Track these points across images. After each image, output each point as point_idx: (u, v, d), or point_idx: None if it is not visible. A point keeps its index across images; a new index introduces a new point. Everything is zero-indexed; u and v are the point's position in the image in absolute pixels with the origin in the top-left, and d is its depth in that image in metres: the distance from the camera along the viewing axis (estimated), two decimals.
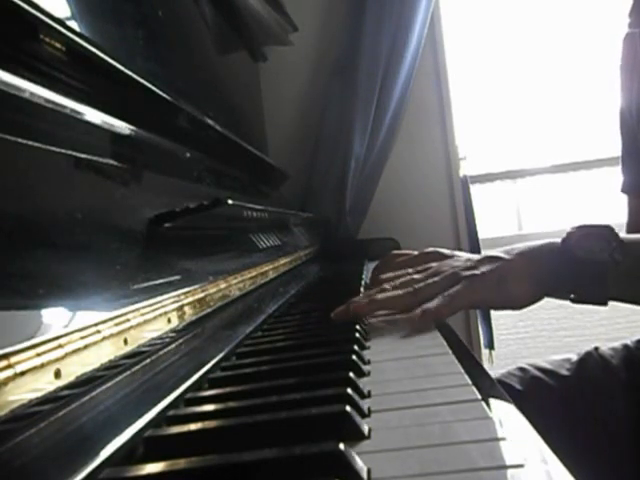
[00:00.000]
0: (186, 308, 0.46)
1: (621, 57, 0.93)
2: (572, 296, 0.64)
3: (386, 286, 0.64)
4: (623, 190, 0.97)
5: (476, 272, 0.62)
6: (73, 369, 0.29)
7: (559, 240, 0.65)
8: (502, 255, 0.65)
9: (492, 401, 0.33)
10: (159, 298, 0.42)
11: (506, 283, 0.62)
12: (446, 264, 0.65)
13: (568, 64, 2.06)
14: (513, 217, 2.15)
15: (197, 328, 0.49)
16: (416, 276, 0.65)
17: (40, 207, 0.37)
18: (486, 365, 1.66)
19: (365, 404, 0.34)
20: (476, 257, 0.66)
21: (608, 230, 0.62)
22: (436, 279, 0.63)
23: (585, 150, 2.02)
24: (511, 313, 2.05)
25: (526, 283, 0.63)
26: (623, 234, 0.63)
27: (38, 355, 0.26)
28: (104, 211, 0.45)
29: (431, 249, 0.73)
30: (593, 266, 0.61)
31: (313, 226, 1.50)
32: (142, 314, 0.38)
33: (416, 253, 0.74)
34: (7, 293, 0.28)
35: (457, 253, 0.71)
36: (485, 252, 0.68)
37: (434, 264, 0.66)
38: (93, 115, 0.47)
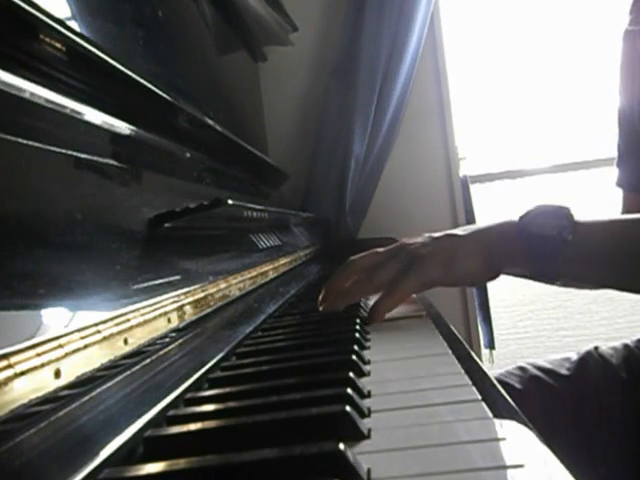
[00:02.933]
0: (186, 308, 0.46)
1: (621, 55, 0.93)
2: (527, 273, 0.64)
3: (341, 275, 0.67)
4: (618, 184, 0.97)
5: (426, 252, 0.64)
6: (73, 369, 0.29)
7: (515, 218, 0.66)
8: (458, 232, 0.66)
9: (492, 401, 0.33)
10: (159, 298, 0.42)
11: (456, 260, 0.63)
12: (404, 244, 0.67)
13: (568, 64, 2.06)
14: (513, 217, 2.15)
15: (197, 328, 0.49)
16: (378, 250, 0.68)
17: (40, 207, 0.37)
18: (486, 365, 1.66)
19: (365, 404, 0.34)
20: (436, 234, 0.67)
21: (564, 210, 0.64)
22: (390, 262, 0.64)
23: (585, 150, 2.02)
24: (511, 313, 2.05)
25: (478, 259, 0.64)
26: (582, 217, 0.64)
27: (38, 355, 0.26)
28: (104, 211, 0.45)
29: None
30: (543, 242, 0.62)
31: (313, 226, 1.50)
32: (142, 314, 0.38)
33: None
34: (7, 293, 0.28)
35: (424, 234, 0.72)
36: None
37: (397, 243, 0.69)
38: (93, 115, 0.47)
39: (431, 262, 0.63)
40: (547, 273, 0.63)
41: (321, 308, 0.65)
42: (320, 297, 0.67)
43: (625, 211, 0.96)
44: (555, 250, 0.62)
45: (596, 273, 0.64)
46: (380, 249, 0.69)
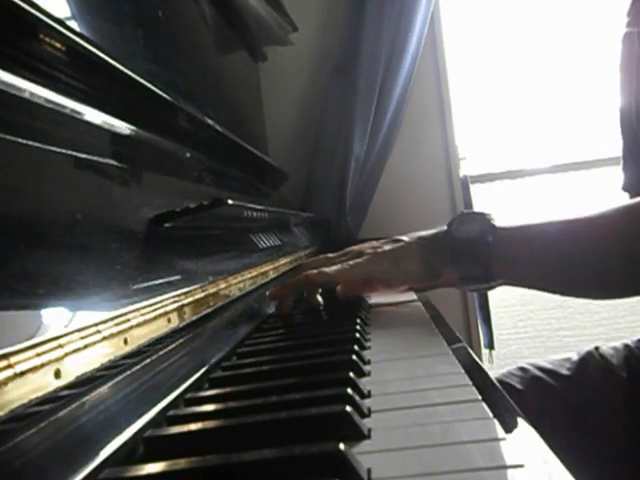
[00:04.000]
0: (186, 308, 0.46)
1: (620, 56, 0.93)
2: (459, 275, 0.69)
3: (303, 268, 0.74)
4: (624, 188, 0.97)
5: (378, 250, 0.72)
6: (73, 369, 0.29)
7: (444, 227, 0.72)
8: (404, 238, 0.74)
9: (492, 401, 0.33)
10: (159, 298, 0.42)
11: (399, 262, 0.70)
12: (358, 247, 0.75)
13: (568, 64, 2.06)
14: (513, 217, 2.15)
15: (197, 328, 0.49)
16: (330, 255, 0.76)
17: (40, 207, 0.37)
18: (486, 365, 1.66)
19: (365, 404, 0.34)
20: (393, 238, 0.74)
21: (485, 215, 0.70)
22: (344, 258, 0.73)
23: (585, 150, 2.02)
24: (511, 313, 2.05)
25: (417, 263, 0.70)
26: (503, 222, 0.71)
27: (38, 355, 0.26)
28: (104, 211, 0.45)
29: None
30: (467, 246, 0.68)
31: (313, 226, 1.50)
32: (142, 314, 0.38)
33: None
34: (7, 293, 0.28)
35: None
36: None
37: (352, 248, 0.76)
38: (93, 115, 0.47)
39: (381, 260, 0.70)
40: (476, 274, 0.68)
41: (269, 293, 0.71)
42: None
43: None
44: (478, 251, 0.67)
45: (524, 273, 0.69)
46: (330, 254, 0.77)
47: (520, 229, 0.70)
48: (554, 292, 0.73)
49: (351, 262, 0.70)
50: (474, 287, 0.72)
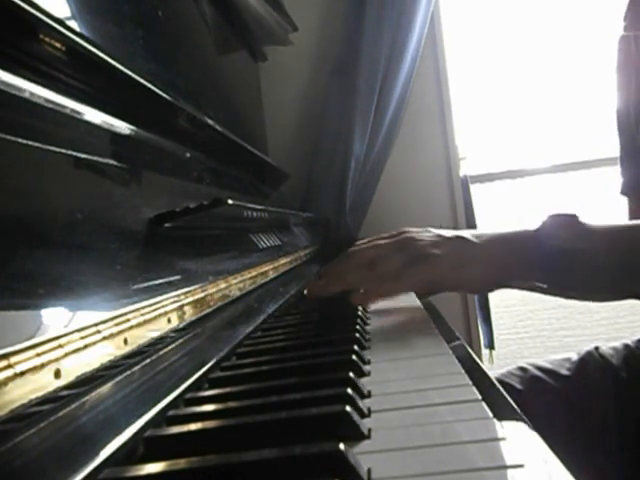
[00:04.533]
0: (186, 308, 0.46)
1: (617, 59, 0.93)
2: (544, 286, 0.64)
3: (340, 264, 0.67)
4: (623, 192, 0.97)
5: (437, 252, 0.62)
6: (73, 369, 0.29)
7: (533, 228, 0.65)
8: (470, 238, 0.64)
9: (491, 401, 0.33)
10: (159, 298, 0.42)
11: (464, 266, 0.62)
12: (412, 238, 0.65)
13: (568, 64, 2.06)
14: (513, 217, 2.15)
15: (197, 328, 0.49)
16: (381, 242, 0.66)
17: (40, 207, 0.37)
18: (486, 365, 1.66)
19: (365, 404, 0.34)
20: (447, 234, 0.65)
21: (576, 218, 0.63)
22: (396, 255, 0.62)
23: (585, 150, 2.02)
24: (511, 313, 2.05)
25: (490, 268, 0.63)
26: (594, 223, 0.64)
27: (38, 355, 0.26)
28: (104, 211, 0.45)
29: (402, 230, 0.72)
30: (561, 255, 0.61)
31: (313, 226, 1.50)
32: (142, 314, 0.38)
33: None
34: (7, 293, 0.28)
35: (430, 229, 0.71)
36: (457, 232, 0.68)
37: (404, 235, 0.67)
38: (93, 115, 0.47)
39: (441, 263, 0.61)
40: (565, 284, 0.63)
41: (308, 291, 0.64)
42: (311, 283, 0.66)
43: (631, 218, 0.96)
44: (572, 261, 0.61)
45: (608, 279, 0.64)
46: (382, 240, 0.67)
47: (613, 231, 0.64)
48: (628, 296, 0.68)
49: (415, 266, 0.61)
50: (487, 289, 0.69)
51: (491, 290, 0.67)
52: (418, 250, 0.62)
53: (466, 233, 0.66)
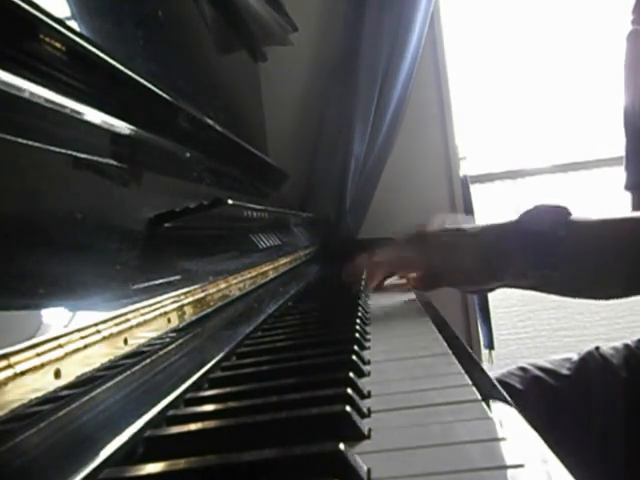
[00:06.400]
0: (186, 308, 0.46)
1: (625, 54, 0.92)
2: (527, 274, 0.66)
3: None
4: (627, 187, 0.96)
5: (430, 239, 0.70)
6: (73, 369, 0.29)
7: (513, 220, 0.69)
8: (466, 228, 0.71)
9: (492, 402, 0.33)
10: (159, 298, 0.42)
11: (456, 252, 0.68)
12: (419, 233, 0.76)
13: (569, 63, 2.06)
14: (513, 217, 2.15)
15: (197, 328, 0.49)
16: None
17: (40, 207, 0.37)
18: (486, 365, 1.66)
19: (365, 404, 0.34)
20: (447, 226, 0.73)
21: (560, 208, 0.66)
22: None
23: (585, 150, 2.02)
24: (511, 313, 2.05)
25: (476, 258, 0.67)
26: (579, 215, 0.67)
27: (38, 355, 0.26)
28: (104, 211, 0.45)
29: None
30: (539, 238, 0.64)
31: (313, 226, 1.50)
32: (142, 314, 0.38)
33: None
34: (7, 293, 0.28)
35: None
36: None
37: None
38: (93, 115, 0.47)
39: (433, 248, 0.69)
40: (546, 271, 0.65)
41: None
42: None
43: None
44: (550, 245, 0.64)
45: (587, 271, 0.66)
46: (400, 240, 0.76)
47: (594, 223, 0.66)
48: (607, 296, 0.72)
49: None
50: (477, 288, 0.73)
51: (483, 282, 0.70)
52: (418, 240, 0.72)
53: (466, 225, 0.72)
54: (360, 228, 1.71)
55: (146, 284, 0.42)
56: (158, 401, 0.34)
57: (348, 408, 0.30)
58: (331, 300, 0.73)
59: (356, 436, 0.29)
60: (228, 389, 0.38)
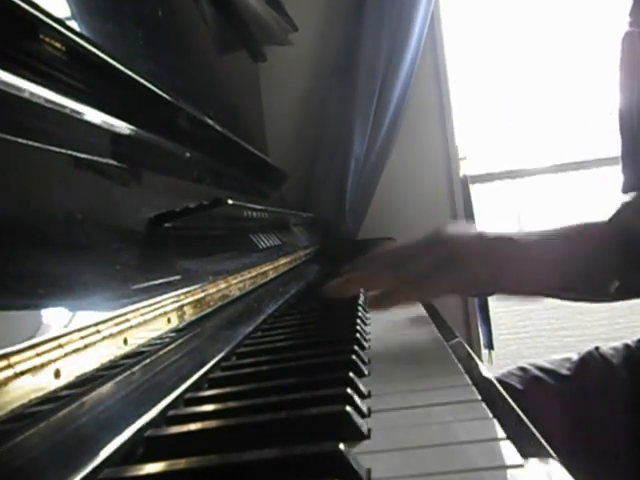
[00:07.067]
0: (186, 308, 0.46)
1: (620, 56, 0.92)
2: (617, 284, 0.55)
3: (363, 266, 0.59)
4: (624, 190, 0.96)
5: (473, 253, 0.53)
6: (73, 369, 0.29)
7: (597, 219, 0.55)
8: (516, 237, 0.55)
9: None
10: (159, 298, 0.42)
11: (507, 267, 0.53)
12: (446, 237, 0.56)
13: (568, 64, 2.06)
14: (513, 217, 2.15)
15: (197, 328, 0.49)
16: (411, 242, 0.58)
17: (40, 207, 0.37)
18: (486, 365, 1.66)
19: (365, 404, 0.34)
20: (488, 234, 0.56)
21: None
22: (427, 255, 0.54)
23: (585, 150, 2.02)
24: (511, 313, 2.05)
25: (540, 269, 0.54)
26: None
27: (38, 355, 0.26)
28: (104, 211, 0.45)
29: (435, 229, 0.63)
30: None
31: (313, 226, 1.50)
32: (142, 314, 0.38)
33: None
34: (7, 293, 0.28)
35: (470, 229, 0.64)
36: (497, 230, 0.60)
37: (437, 235, 0.58)
38: (93, 115, 0.47)
39: (477, 264, 0.52)
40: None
41: (324, 290, 0.57)
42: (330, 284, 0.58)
43: None
44: None
45: None
46: (413, 241, 0.58)
47: None
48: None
49: (447, 267, 0.52)
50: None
51: (539, 295, 0.57)
52: (451, 251, 0.54)
53: (512, 233, 0.57)
54: (360, 228, 1.71)
55: (146, 284, 0.42)
56: (158, 401, 0.34)
57: (348, 408, 0.30)
58: (331, 300, 0.73)
59: (356, 436, 0.29)
60: (228, 389, 0.38)
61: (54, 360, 0.27)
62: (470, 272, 0.52)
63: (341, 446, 0.25)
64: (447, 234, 0.57)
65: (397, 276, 0.53)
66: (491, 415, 0.31)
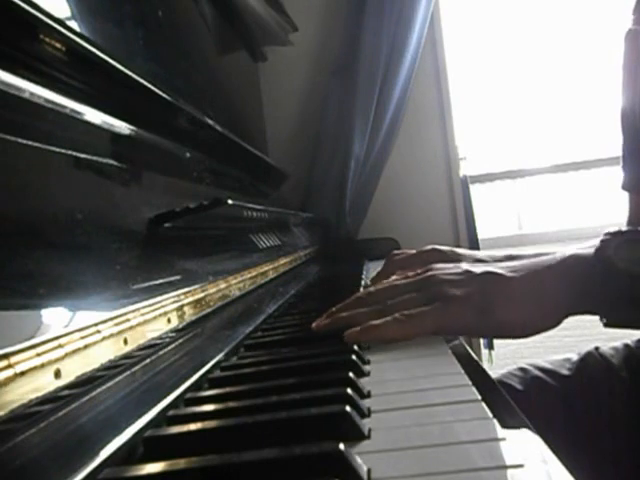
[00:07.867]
0: (186, 308, 0.46)
1: (623, 54, 0.92)
2: (604, 320, 0.53)
3: (352, 303, 0.57)
4: (624, 187, 0.96)
5: (458, 293, 0.51)
6: (73, 369, 0.29)
7: (586, 250, 0.53)
8: (504, 273, 0.52)
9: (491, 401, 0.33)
10: (159, 298, 0.42)
11: (494, 310, 0.50)
12: (436, 275, 0.54)
13: (568, 63, 2.06)
14: (513, 217, 2.15)
15: (197, 328, 0.49)
16: (401, 281, 0.56)
17: (40, 207, 0.37)
18: (486, 365, 1.66)
19: (365, 404, 0.34)
20: (475, 269, 0.54)
21: None
22: (414, 295, 0.53)
23: (585, 150, 2.02)
24: None
25: (534, 307, 0.51)
26: None
27: (38, 355, 0.26)
28: (104, 211, 0.45)
29: (430, 247, 0.67)
30: (630, 282, 0.49)
31: (313, 226, 1.50)
32: (142, 314, 0.38)
33: (414, 252, 0.71)
34: (7, 293, 0.28)
35: (459, 251, 0.65)
36: (489, 259, 0.59)
37: (427, 272, 0.56)
38: (93, 115, 0.47)
39: (461, 305, 0.50)
40: (634, 318, 0.52)
41: (314, 325, 0.55)
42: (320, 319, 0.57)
43: (633, 213, 0.96)
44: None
45: None
46: (404, 280, 0.56)
47: None
48: None
49: (412, 313, 0.50)
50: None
51: (543, 331, 0.52)
52: (436, 286, 0.52)
53: (500, 266, 0.54)
54: (360, 228, 1.71)
55: (146, 284, 0.42)
56: (158, 401, 0.34)
57: (348, 408, 0.30)
58: (331, 300, 0.73)
59: (356, 436, 0.29)
60: (228, 389, 0.38)
61: (54, 360, 0.27)
62: (450, 313, 0.50)
63: (341, 446, 0.25)
64: (436, 270, 0.55)
65: (380, 312, 0.52)
66: (491, 415, 0.31)
